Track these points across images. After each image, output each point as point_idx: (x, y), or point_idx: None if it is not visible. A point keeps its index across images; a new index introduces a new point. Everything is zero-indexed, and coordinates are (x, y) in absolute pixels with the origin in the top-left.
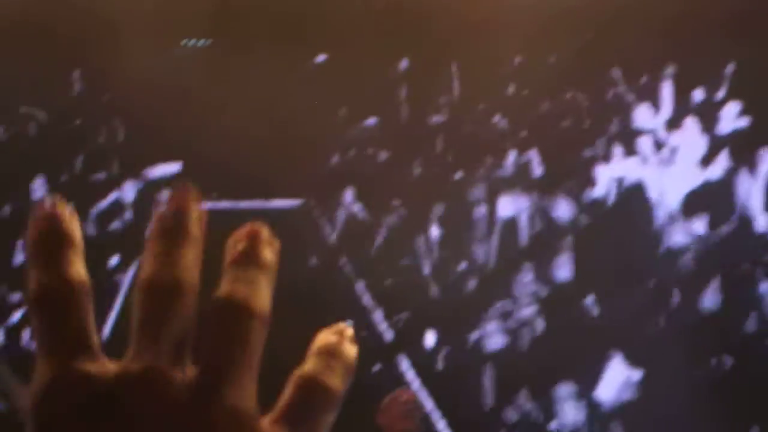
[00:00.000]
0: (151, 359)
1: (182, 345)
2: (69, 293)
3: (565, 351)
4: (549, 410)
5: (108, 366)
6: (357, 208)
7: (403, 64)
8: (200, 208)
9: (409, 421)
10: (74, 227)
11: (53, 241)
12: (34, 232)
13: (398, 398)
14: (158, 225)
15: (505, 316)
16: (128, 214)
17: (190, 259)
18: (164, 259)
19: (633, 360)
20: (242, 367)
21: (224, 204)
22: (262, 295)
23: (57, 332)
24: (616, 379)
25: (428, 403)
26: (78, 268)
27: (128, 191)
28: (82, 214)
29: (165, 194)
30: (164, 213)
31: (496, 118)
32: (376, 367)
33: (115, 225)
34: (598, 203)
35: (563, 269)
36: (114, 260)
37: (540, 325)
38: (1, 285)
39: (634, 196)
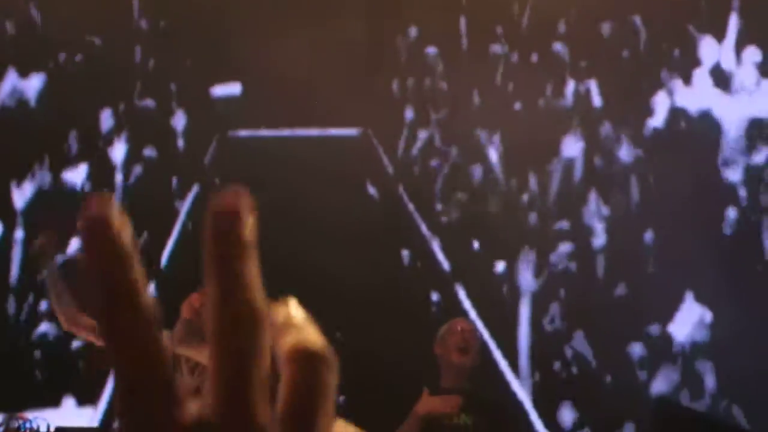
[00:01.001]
0: (243, 407)
1: (267, 385)
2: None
3: (633, 289)
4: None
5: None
6: (416, 137)
7: None
8: (253, 214)
9: (466, 352)
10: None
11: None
12: (215, 241)
13: (455, 328)
14: (216, 240)
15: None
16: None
17: (256, 277)
18: (233, 282)
19: (703, 300)
20: (330, 418)
21: (284, 132)
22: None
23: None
24: (690, 319)
25: (485, 334)
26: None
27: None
28: (142, 142)
29: (216, 201)
30: (220, 226)
31: (556, 47)
32: (434, 297)
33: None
34: (659, 133)
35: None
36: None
37: (601, 261)
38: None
39: (696, 126)
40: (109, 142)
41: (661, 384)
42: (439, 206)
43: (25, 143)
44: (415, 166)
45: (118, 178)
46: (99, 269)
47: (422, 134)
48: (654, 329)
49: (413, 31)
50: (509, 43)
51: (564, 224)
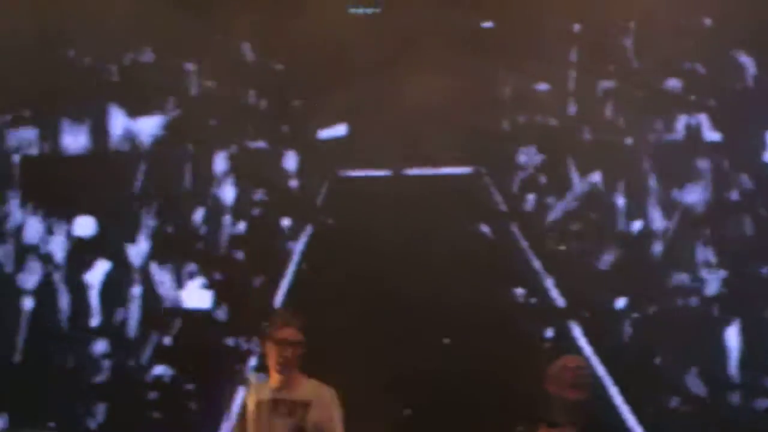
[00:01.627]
0: None
1: None
2: None
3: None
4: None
5: None
6: (526, 174)
7: (575, 27)
8: None
9: (579, 389)
10: None
11: None
12: None
13: (568, 365)
14: None
15: (685, 288)
16: (293, 182)
17: None
18: None
19: None
20: None
21: (396, 170)
22: None
23: None
24: None
25: (600, 370)
26: None
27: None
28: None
29: None
30: None
31: (668, 82)
32: (548, 333)
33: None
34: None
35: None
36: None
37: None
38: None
39: None
40: (220, 183)
41: None
42: (552, 243)
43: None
44: (528, 203)
45: (227, 219)
46: None
47: (532, 171)
48: None
49: (522, 70)
50: (619, 79)
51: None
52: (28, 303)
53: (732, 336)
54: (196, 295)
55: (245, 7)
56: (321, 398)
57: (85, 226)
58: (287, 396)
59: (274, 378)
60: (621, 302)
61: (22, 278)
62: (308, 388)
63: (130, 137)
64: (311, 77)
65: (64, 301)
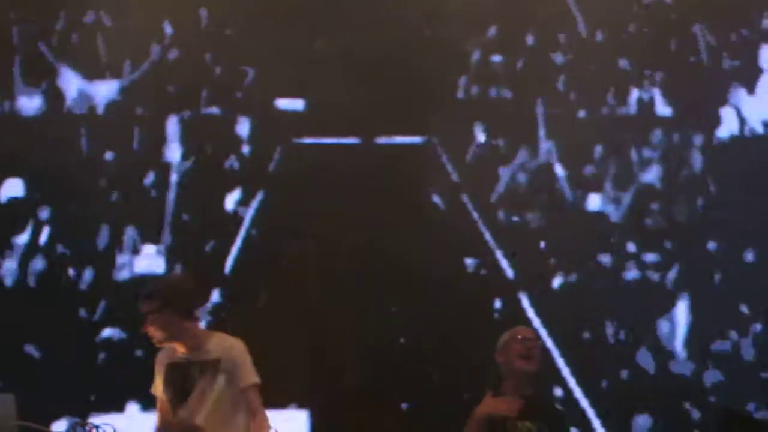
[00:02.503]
0: None
1: None
2: None
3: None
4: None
5: None
6: (480, 145)
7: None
8: None
9: (528, 360)
10: None
11: None
12: None
13: (517, 336)
14: None
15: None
16: (245, 149)
17: None
18: None
19: None
20: None
21: (351, 140)
22: None
23: None
24: None
25: (548, 342)
26: None
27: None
28: (204, 147)
29: None
30: None
31: (620, 58)
32: (497, 304)
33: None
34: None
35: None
36: (236, 194)
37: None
38: None
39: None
40: (171, 147)
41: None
42: (502, 214)
43: (93, 148)
44: (480, 174)
45: (173, 179)
46: None
47: (484, 141)
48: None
49: (478, 41)
50: (573, 53)
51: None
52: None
53: (681, 310)
54: (149, 261)
55: None
56: (229, 352)
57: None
58: (195, 357)
59: (177, 346)
60: (571, 275)
61: None
62: (215, 344)
63: (85, 100)
64: (267, 43)
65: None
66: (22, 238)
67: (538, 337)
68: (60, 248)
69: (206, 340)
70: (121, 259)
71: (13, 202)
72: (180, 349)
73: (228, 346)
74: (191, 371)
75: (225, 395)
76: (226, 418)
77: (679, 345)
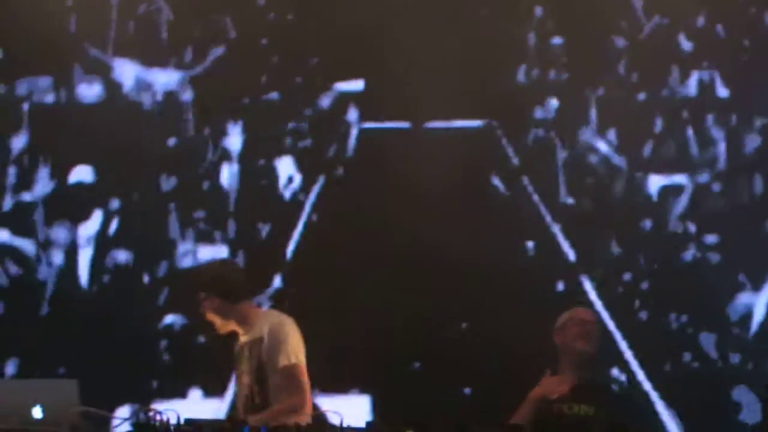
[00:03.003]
0: None
1: None
2: None
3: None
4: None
5: None
6: (538, 128)
7: None
8: None
9: (585, 340)
10: None
11: None
12: None
13: (575, 317)
14: None
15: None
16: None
17: None
18: None
19: None
20: None
21: (405, 124)
22: None
23: None
24: None
25: (609, 324)
26: None
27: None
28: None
29: None
30: None
31: (680, 39)
32: (559, 286)
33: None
34: None
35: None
36: (297, 180)
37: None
38: None
39: None
40: (232, 134)
41: None
42: (563, 197)
43: (148, 133)
44: (540, 157)
45: (234, 169)
46: None
47: (545, 125)
48: None
49: (537, 23)
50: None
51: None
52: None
53: (749, 298)
54: (212, 249)
55: None
56: (272, 330)
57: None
58: (249, 337)
59: (236, 329)
60: (634, 259)
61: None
62: (263, 323)
63: (144, 88)
64: (324, 30)
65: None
66: (91, 226)
67: (598, 319)
68: (124, 236)
69: (258, 319)
70: (184, 246)
71: (82, 188)
72: (239, 333)
73: (275, 323)
74: (244, 352)
75: (265, 375)
76: (268, 397)
77: (747, 333)
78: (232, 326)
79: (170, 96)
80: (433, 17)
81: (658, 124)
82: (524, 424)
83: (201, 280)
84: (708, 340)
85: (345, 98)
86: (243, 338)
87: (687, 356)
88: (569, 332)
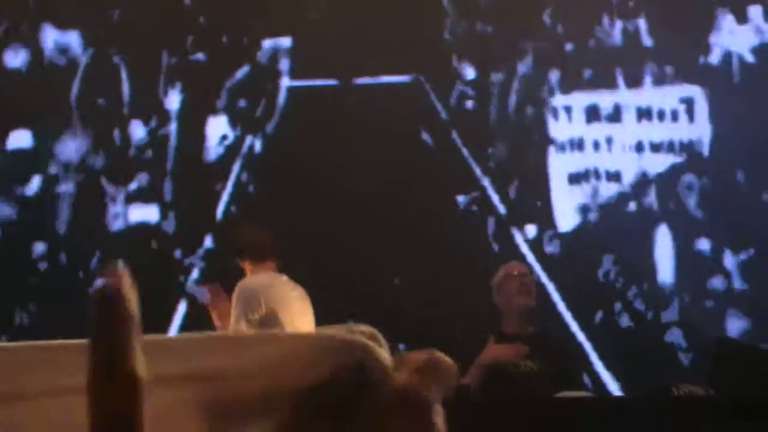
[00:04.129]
0: None
1: None
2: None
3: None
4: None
5: None
6: (466, 82)
7: None
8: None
9: (524, 295)
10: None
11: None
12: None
13: (511, 272)
14: (99, 315)
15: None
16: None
17: (137, 347)
18: (117, 351)
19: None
20: None
21: (337, 80)
22: None
23: None
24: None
25: (542, 276)
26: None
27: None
28: (195, 94)
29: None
30: (104, 301)
31: None
32: (492, 240)
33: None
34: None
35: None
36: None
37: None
38: None
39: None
40: (164, 92)
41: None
42: (491, 150)
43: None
44: (468, 110)
45: (172, 129)
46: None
47: (471, 78)
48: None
49: None
50: None
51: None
52: None
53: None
54: (141, 210)
55: None
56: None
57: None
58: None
59: None
60: (566, 210)
61: None
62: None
63: (63, 50)
64: None
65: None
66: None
67: (531, 271)
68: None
69: None
70: (115, 209)
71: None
72: None
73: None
74: None
75: None
76: None
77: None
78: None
79: (101, 57)
80: None
81: (587, 75)
82: (471, 385)
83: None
84: (636, 292)
85: (273, 55)
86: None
87: (617, 307)
88: (507, 288)
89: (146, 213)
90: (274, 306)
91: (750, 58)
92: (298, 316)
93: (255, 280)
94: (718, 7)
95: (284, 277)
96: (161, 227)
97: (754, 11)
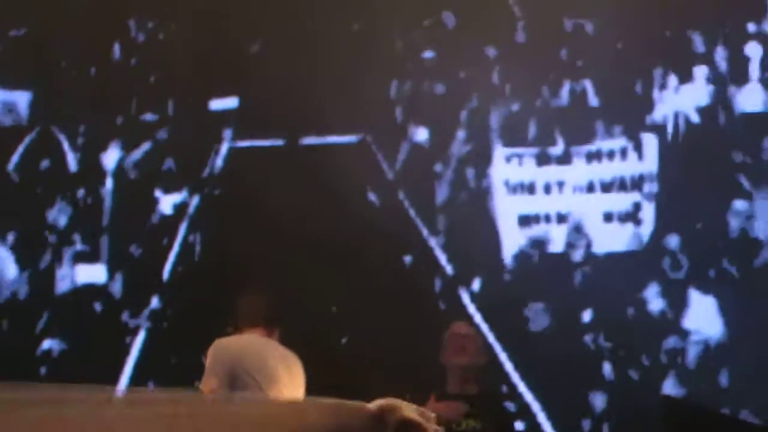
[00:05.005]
0: None
1: None
2: None
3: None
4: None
5: None
6: (416, 141)
7: None
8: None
9: (464, 354)
10: None
11: None
12: None
13: (454, 331)
14: None
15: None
16: (180, 153)
17: None
18: None
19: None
20: None
21: (279, 141)
22: None
23: None
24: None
25: (490, 335)
26: None
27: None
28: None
29: None
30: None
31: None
32: (439, 300)
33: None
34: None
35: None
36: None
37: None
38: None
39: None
40: (104, 151)
41: (672, 383)
42: (439, 210)
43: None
44: (415, 171)
45: (108, 185)
46: None
47: (420, 139)
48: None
49: (409, 34)
50: (503, 46)
51: (570, 232)
52: None
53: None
54: (88, 271)
55: None
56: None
57: None
58: None
59: None
60: (509, 268)
61: None
62: None
63: (8, 109)
64: (197, 47)
65: None
66: None
67: (476, 331)
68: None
69: None
70: (61, 271)
71: None
72: None
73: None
74: None
75: None
76: None
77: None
78: None
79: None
80: (306, 32)
81: (532, 132)
82: None
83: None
84: (587, 341)
85: (219, 116)
86: None
87: (565, 361)
88: (447, 349)
89: (92, 273)
90: (245, 366)
91: (695, 118)
92: (273, 381)
93: (231, 339)
94: (661, 66)
95: (272, 342)
96: (107, 288)
97: (699, 71)
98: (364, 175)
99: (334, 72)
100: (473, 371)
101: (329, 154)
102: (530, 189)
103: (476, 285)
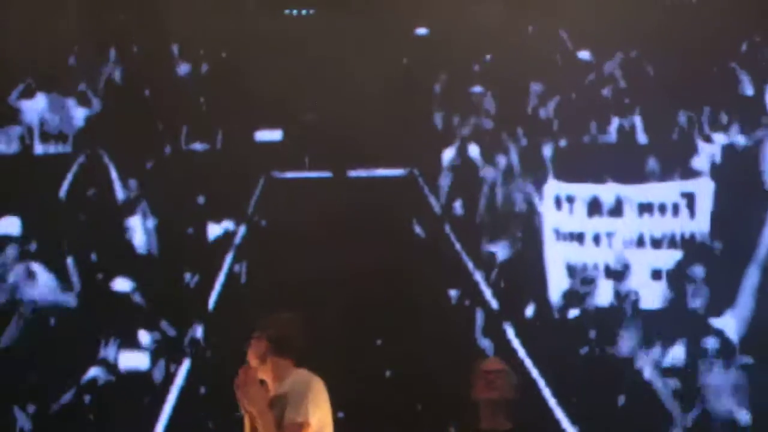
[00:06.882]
0: None
1: None
2: None
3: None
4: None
5: None
6: (460, 176)
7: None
8: None
9: (489, 390)
10: None
11: None
12: None
13: (480, 369)
14: None
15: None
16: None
17: None
18: None
19: None
20: None
21: (327, 173)
22: None
23: None
24: None
25: (534, 372)
26: None
27: None
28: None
29: None
30: None
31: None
32: (482, 333)
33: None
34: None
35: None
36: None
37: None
38: None
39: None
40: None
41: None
42: (485, 244)
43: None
44: (461, 204)
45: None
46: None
47: (467, 173)
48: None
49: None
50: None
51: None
52: None
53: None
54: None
55: (178, 6)
56: (294, 387)
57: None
58: (275, 392)
59: (265, 378)
60: (557, 304)
61: None
62: (291, 380)
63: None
64: (246, 78)
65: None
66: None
67: (506, 367)
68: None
69: (290, 377)
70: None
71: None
72: (269, 385)
73: (298, 381)
74: (269, 404)
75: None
76: None
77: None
78: (266, 375)
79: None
80: (352, 67)
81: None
82: None
83: (263, 322)
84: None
85: (265, 148)
86: (270, 393)
87: (617, 395)
88: (476, 385)
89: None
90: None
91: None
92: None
93: (311, 375)
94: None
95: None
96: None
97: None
98: (410, 207)
99: (383, 106)
100: (503, 407)
101: (377, 187)
102: (579, 238)
103: (522, 319)
